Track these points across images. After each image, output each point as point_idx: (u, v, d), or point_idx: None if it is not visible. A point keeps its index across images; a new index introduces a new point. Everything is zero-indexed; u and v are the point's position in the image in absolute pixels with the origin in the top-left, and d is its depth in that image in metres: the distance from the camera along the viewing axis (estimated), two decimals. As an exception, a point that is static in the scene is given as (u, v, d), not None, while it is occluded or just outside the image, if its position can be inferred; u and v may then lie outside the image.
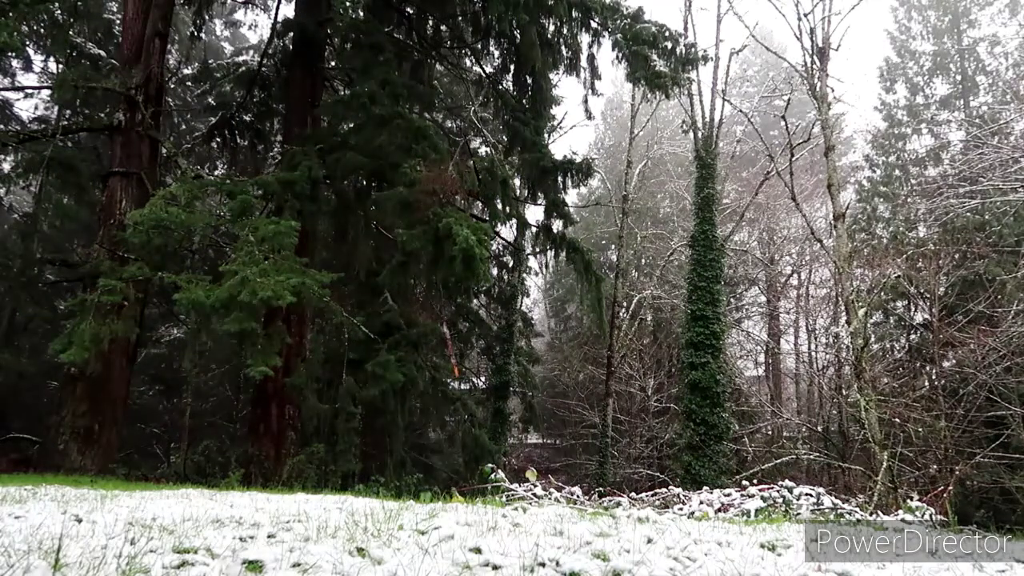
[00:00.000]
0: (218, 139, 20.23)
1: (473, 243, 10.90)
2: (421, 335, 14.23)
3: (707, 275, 19.91)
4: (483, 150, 18.89)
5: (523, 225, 17.35)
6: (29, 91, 16.02)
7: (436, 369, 14.79)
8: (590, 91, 17.17)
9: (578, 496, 9.78)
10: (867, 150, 27.86)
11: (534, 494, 9.38)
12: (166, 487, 9.54)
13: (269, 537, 3.87)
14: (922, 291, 19.72)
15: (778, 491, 7.11)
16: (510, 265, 25.14)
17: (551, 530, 4.45)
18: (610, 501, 8.75)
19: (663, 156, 28.60)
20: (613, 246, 30.74)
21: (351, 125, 15.04)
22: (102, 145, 15.19)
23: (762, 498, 6.30)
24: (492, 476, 9.44)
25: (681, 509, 7.31)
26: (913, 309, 21.90)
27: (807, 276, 29.79)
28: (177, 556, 3.15)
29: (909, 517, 5.49)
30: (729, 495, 7.27)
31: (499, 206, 15.10)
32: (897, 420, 14.93)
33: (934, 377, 19.10)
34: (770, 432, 25.34)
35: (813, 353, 28.34)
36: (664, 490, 8.71)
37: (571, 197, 20.92)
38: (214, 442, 14.12)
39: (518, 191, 17.54)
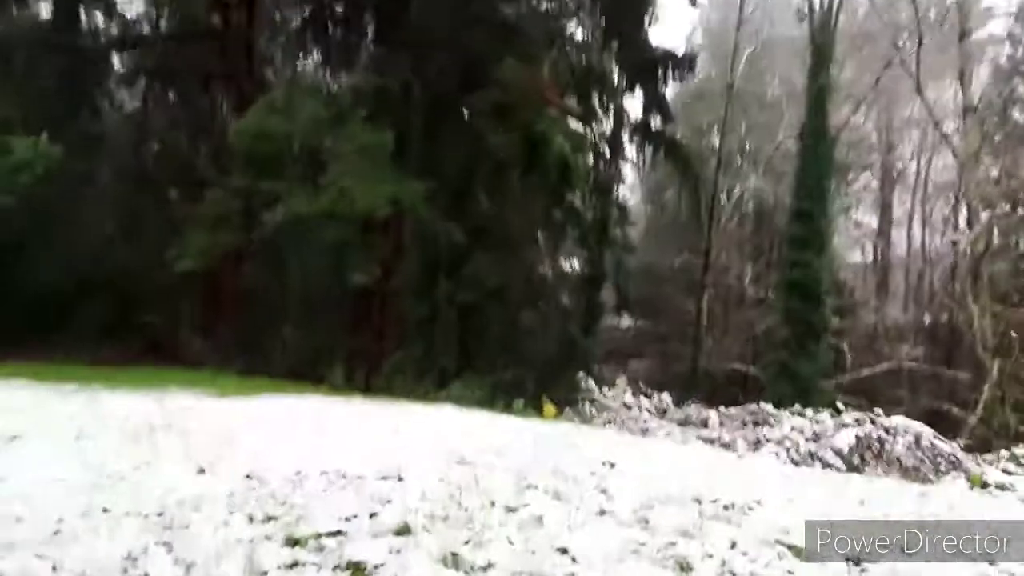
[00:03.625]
0: (311, 31, 20.23)
1: (568, 152, 10.70)
2: (515, 238, 14.30)
3: (816, 170, 18.80)
4: (579, 34, 17.95)
5: (620, 120, 16.77)
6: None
7: (530, 268, 14.91)
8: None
9: (667, 405, 9.92)
10: (1009, 24, 24.92)
11: (624, 403, 9.57)
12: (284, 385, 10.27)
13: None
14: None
15: (872, 422, 6.98)
16: (607, 155, 24.52)
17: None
18: (698, 416, 8.85)
19: (774, 39, 26.53)
20: (716, 129, 29.32)
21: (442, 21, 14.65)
22: (203, 49, 15.45)
23: (856, 436, 6.20)
24: (583, 384, 9.66)
25: (771, 431, 7.33)
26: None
27: (927, 163, 27.69)
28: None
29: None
30: (822, 422, 7.20)
31: (595, 103, 14.61)
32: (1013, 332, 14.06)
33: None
34: (872, 328, 24.49)
35: (927, 245, 26.74)
36: (755, 407, 8.70)
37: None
38: (321, 335, 14.92)
39: (616, 83, 16.78)
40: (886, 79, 20.69)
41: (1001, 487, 4.99)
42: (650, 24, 16.22)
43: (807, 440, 6.68)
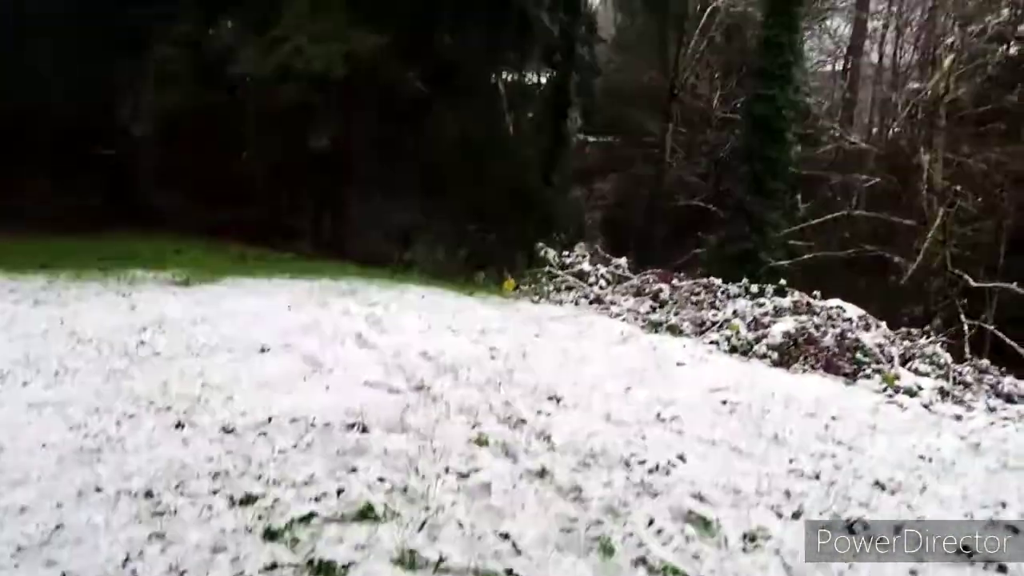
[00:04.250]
0: None
1: (529, 4, 10.21)
2: (478, 82, 13.93)
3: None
4: None
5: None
6: None
7: (490, 115, 14.67)
8: None
9: (624, 269, 10.34)
10: None
11: (582, 270, 9.97)
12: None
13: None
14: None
15: (809, 307, 7.48)
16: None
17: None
18: (652, 285, 9.29)
19: None
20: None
21: None
22: None
23: (789, 331, 6.67)
24: (542, 253, 9.98)
25: (716, 314, 7.83)
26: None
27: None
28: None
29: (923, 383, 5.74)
30: (763, 306, 7.67)
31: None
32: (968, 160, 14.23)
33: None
34: (833, 154, 24.73)
35: (898, 60, 26.18)
36: (705, 281, 9.15)
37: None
38: (284, 185, 14.83)
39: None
40: None
41: (910, 392, 5.57)
42: None
43: (748, 327, 7.18)
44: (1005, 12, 17.70)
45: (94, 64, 12.02)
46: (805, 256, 16.65)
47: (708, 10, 24.75)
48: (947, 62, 12.93)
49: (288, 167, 12.95)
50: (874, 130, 29.37)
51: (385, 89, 12.17)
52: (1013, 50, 19.84)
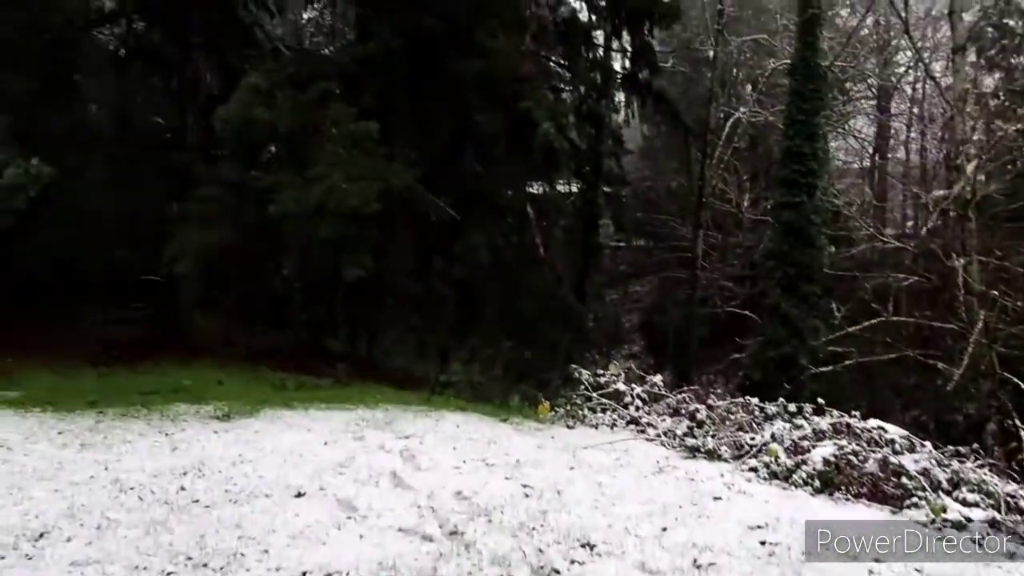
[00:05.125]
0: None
1: (553, 136, 10.71)
2: (506, 205, 14.41)
3: (806, 107, 18.55)
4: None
5: (608, 75, 16.52)
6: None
7: (523, 233, 15.07)
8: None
9: (659, 387, 10.28)
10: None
11: (616, 389, 9.94)
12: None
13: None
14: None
15: (848, 428, 7.33)
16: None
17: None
18: (688, 405, 9.21)
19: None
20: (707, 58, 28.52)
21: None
22: (182, 20, 15.09)
23: (828, 457, 6.53)
24: (576, 375, 10.01)
25: (754, 438, 7.70)
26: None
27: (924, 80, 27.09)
28: None
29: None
30: (801, 428, 7.55)
31: (582, 63, 14.41)
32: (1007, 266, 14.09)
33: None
34: (867, 255, 24.67)
35: (926, 155, 26.32)
36: (742, 399, 9.06)
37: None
38: (322, 308, 15.28)
39: (602, 39, 16.51)
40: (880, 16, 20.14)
41: (959, 525, 5.36)
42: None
43: (787, 452, 7.04)
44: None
45: (145, 201, 12.80)
46: (847, 362, 16.31)
47: (730, 121, 25.50)
48: (970, 168, 13.02)
49: (324, 291, 13.39)
50: (908, 224, 29.50)
51: (417, 217, 12.66)
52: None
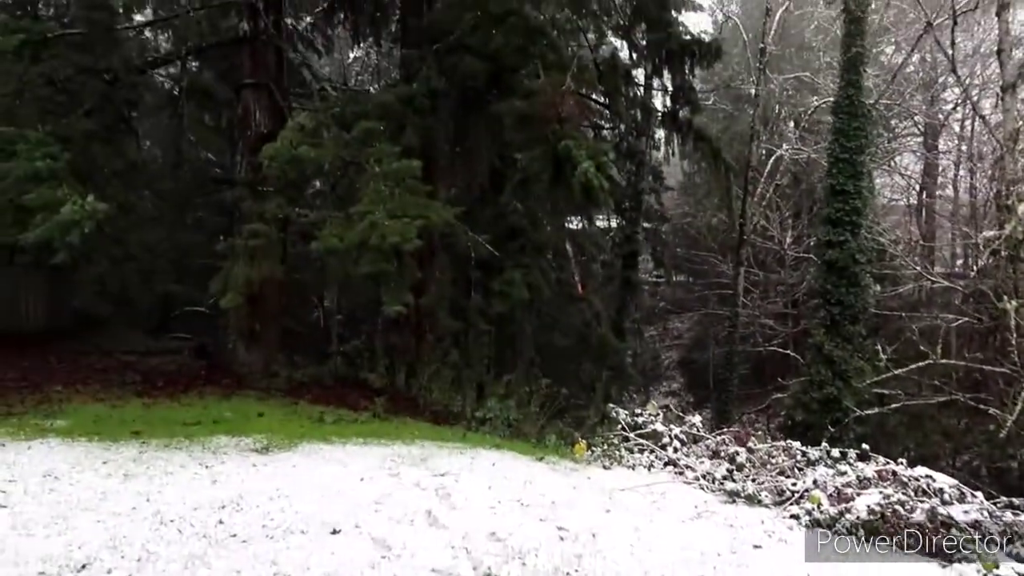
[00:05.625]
0: (340, 14, 20.31)
1: (592, 175, 10.75)
2: (545, 242, 14.48)
3: (850, 145, 18.39)
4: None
5: (648, 114, 16.62)
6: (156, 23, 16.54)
7: (562, 270, 15.12)
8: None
9: (698, 428, 10.13)
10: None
11: (655, 430, 9.81)
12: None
13: None
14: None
15: (895, 476, 7.12)
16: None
17: None
18: (728, 447, 9.05)
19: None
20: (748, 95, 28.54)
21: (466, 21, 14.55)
22: (233, 55, 15.66)
23: (882, 494, 6.35)
24: (613, 414, 9.92)
25: (795, 483, 7.52)
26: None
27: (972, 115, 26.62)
28: None
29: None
30: (844, 474, 7.36)
31: (622, 103, 14.51)
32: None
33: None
34: (915, 295, 24.16)
35: (975, 193, 25.75)
36: (783, 443, 8.87)
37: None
38: (361, 341, 15.49)
39: (642, 77, 16.67)
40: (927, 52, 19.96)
41: (1012, 583, 5.15)
42: (676, 10, 15.93)
43: (830, 499, 6.87)
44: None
45: (194, 236, 13.18)
46: (894, 405, 15.87)
47: (773, 158, 25.38)
48: (1022, 208, 12.72)
49: (364, 324, 13.57)
50: (958, 263, 28.78)
51: (457, 253, 12.79)
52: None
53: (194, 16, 14.94)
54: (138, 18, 15.86)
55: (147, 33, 15.69)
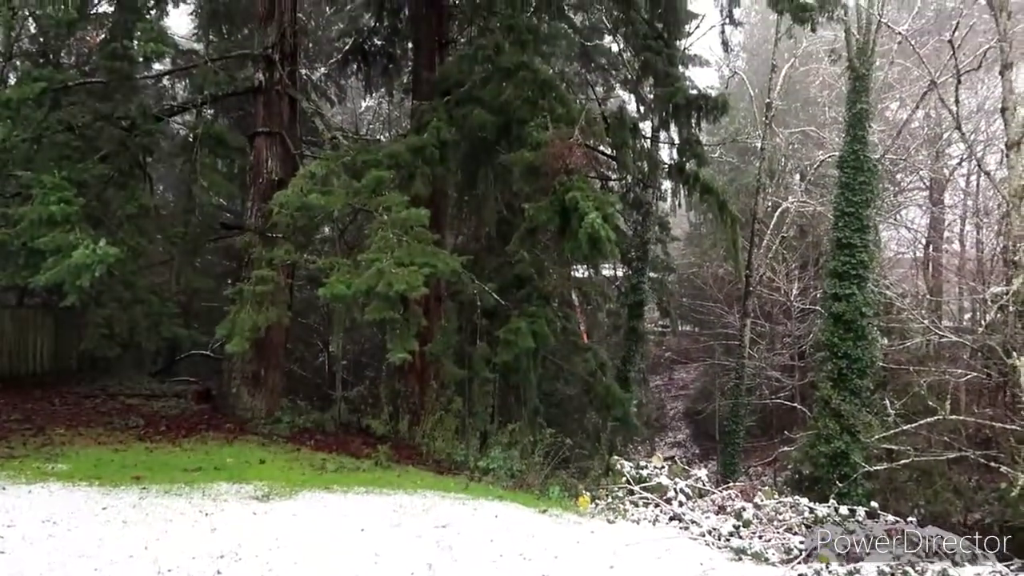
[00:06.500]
0: (353, 65, 20.76)
1: (599, 227, 10.80)
2: (551, 291, 14.52)
3: (856, 199, 18.56)
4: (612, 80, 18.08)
5: (655, 165, 16.81)
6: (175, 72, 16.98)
7: (567, 319, 15.11)
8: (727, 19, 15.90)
9: (703, 483, 10.02)
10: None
11: (659, 483, 9.70)
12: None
13: None
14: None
15: (902, 535, 7.00)
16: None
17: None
18: (734, 502, 8.94)
19: (813, 52, 26.10)
20: (755, 148, 28.91)
21: (477, 73, 14.84)
22: (247, 104, 15.98)
23: (892, 555, 6.24)
24: (617, 466, 9.82)
25: (803, 541, 7.40)
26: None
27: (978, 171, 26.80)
28: None
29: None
30: (853, 532, 7.23)
31: (629, 155, 14.69)
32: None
33: None
34: (923, 349, 24.01)
35: (983, 247, 25.76)
36: (789, 499, 8.76)
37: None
38: (365, 387, 15.46)
39: (650, 130, 16.92)
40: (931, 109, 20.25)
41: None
42: (685, 66, 16.25)
43: (838, 557, 6.74)
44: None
45: (203, 280, 13.27)
46: (903, 460, 15.64)
47: (779, 211, 25.55)
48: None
49: (368, 371, 13.54)
50: (966, 317, 28.64)
51: (463, 301, 12.82)
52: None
53: (211, 66, 15.27)
54: (157, 67, 16.27)
55: (165, 81, 16.01)
